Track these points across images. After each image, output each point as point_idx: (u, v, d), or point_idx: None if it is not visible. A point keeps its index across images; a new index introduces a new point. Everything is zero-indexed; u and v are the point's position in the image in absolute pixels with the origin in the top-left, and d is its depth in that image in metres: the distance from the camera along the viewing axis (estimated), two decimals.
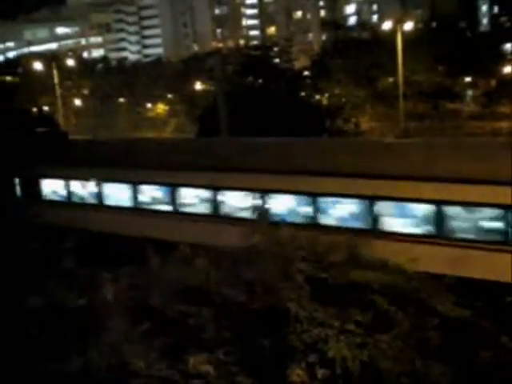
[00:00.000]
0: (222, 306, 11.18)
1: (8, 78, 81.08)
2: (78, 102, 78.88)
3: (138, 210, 25.12)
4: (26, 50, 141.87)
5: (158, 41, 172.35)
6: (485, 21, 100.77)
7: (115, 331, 10.81)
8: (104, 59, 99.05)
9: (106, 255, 17.86)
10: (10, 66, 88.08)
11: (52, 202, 29.01)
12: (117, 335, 10.73)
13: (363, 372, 10.05)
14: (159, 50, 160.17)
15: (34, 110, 70.50)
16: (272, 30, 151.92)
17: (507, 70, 60.21)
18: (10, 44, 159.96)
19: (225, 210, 22.42)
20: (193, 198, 23.54)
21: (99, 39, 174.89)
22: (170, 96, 76.94)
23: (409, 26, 52.80)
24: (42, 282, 13.76)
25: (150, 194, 25.12)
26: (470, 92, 61.78)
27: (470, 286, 13.52)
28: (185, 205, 23.71)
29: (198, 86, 73.26)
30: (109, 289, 12.00)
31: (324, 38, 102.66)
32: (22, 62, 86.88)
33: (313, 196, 19.95)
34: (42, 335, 11.34)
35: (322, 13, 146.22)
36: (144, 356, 10.32)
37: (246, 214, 21.19)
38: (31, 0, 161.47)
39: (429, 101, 53.38)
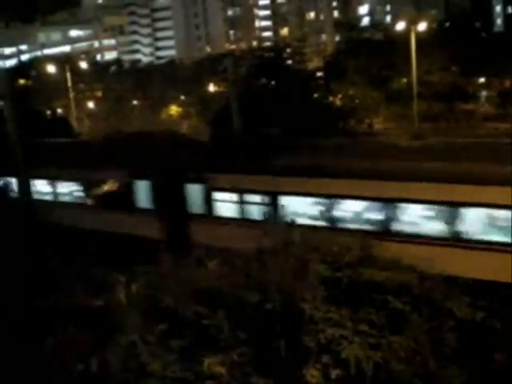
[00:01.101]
0: (236, 307, 11.22)
1: (22, 81, 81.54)
2: (91, 104, 79.21)
3: None
4: (39, 52, 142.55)
5: (170, 43, 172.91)
6: (499, 21, 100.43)
7: (131, 332, 10.89)
8: (117, 61, 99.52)
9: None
10: (24, 68, 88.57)
11: None
12: (132, 336, 10.81)
13: (376, 373, 10.06)
14: (172, 52, 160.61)
15: (48, 112, 71.12)
16: (285, 31, 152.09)
17: None
18: (24, 47, 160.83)
19: None
20: None
21: (112, 41, 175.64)
22: (182, 98, 77.13)
23: (422, 26, 52.74)
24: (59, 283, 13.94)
25: None
26: (484, 93, 61.56)
27: (485, 288, 13.52)
28: None
29: (211, 87, 73.43)
30: (124, 289, 12.08)
31: (337, 38, 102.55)
32: (36, 64, 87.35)
33: None
34: (59, 336, 11.44)
35: (336, 13, 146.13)
36: (159, 357, 10.38)
37: None
38: (46, 3, 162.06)
39: (443, 101, 53.26)
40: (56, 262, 18.33)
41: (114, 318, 11.57)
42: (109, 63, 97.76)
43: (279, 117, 38.20)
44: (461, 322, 11.09)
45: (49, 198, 33.28)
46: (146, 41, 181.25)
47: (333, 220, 22.26)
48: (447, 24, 69.55)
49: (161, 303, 11.60)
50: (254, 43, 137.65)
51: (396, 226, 20.90)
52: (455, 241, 19.54)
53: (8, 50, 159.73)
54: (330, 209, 22.35)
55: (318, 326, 10.58)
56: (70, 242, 22.81)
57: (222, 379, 10.00)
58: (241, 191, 24.46)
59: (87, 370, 10.61)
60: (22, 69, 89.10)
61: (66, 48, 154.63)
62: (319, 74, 69.05)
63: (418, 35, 49.14)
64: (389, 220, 21.03)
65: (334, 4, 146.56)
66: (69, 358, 10.93)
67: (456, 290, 11.76)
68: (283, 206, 23.00)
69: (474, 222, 19.40)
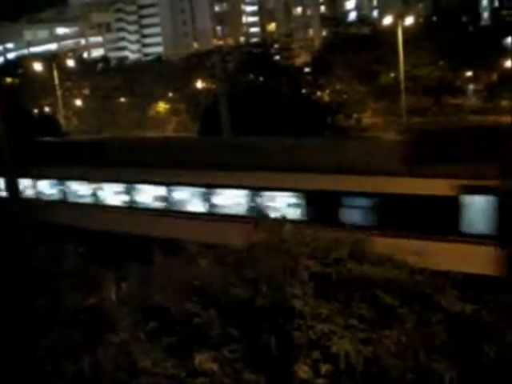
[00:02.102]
0: (226, 304, 11.24)
1: (8, 80, 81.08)
2: (78, 102, 78.89)
3: None
4: (25, 51, 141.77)
5: (158, 39, 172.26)
6: (485, 15, 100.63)
7: (122, 330, 10.89)
8: (104, 59, 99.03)
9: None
10: (10, 67, 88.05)
11: None
12: (124, 334, 10.82)
13: (367, 368, 10.10)
14: (159, 49, 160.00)
15: (35, 111, 70.80)
16: (272, 26, 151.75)
17: (508, 63, 60.21)
18: (10, 45, 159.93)
19: None
20: None
21: (99, 39, 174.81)
22: (170, 95, 76.93)
23: (409, 20, 52.82)
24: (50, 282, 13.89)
25: None
26: (471, 86, 61.78)
27: (475, 281, 13.59)
28: None
29: (199, 84, 73.25)
30: (116, 288, 12.07)
31: (324, 33, 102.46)
32: (22, 63, 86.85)
33: None
34: (52, 334, 11.43)
35: (322, 9, 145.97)
36: (151, 355, 10.39)
37: None
38: (33, 1, 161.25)
39: (431, 95, 53.39)
40: None
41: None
42: (96, 61, 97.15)
43: (267, 113, 38.13)
44: (450, 315, 11.16)
45: None
46: (133, 38, 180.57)
47: None
48: (434, 18, 69.67)
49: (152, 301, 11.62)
50: (242, 39, 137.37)
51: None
52: None
53: None
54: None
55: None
56: None
57: (213, 376, 10.02)
58: None
59: (80, 370, 10.61)
60: (8, 67, 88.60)
61: (53, 46, 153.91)
62: (307, 69, 68.97)
63: (405, 30, 49.20)
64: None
65: None
66: (61, 357, 10.92)
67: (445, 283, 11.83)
68: None
69: None
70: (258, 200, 26.31)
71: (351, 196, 23.86)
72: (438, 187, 21.84)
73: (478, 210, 21.04)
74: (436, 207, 21.61)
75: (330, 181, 24.69)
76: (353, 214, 23.20)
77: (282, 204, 25.70)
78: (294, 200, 25.64)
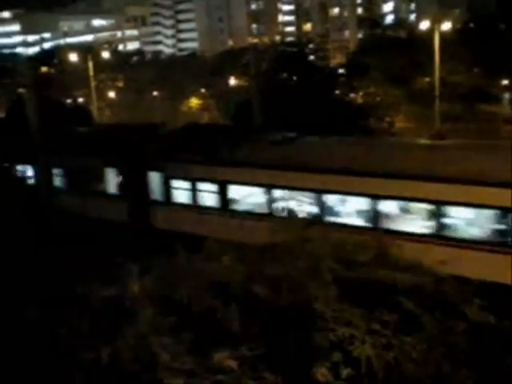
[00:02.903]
0: (248, 302, 11.21)
1: (44, 69, 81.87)
2: (112, 94, 79.40)
3: None
4: (62, 41, 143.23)
5: (193, 35, 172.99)
6: None
7: (143, 323, 10.91)
8: (139, 52, 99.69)
9: None
10: (46, 57, 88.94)
11: None
12: (144, 327, 10.83)
13: (387, 373, 10.01)
14: (194, 45, 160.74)
15: (69, 101, 71.44)
16: (308, 26, 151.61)
17: None
18: (47, 35, 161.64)
19: None
20: None
21: (135, 32, 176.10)
22: (203, 90, 77.13)
23: (447, 26, 52.34)
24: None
25: None
26: (506, 95, 61.04)
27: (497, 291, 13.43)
28: None
29: (232, 81, 73.35)
30: (137, 280, 12.10)
31: (360, 35, 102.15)
32: (58, 53, 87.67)
33: None
34: (73, 324, 11.50)
35: (359, 10, 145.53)
36: (170, 349, 10.39)
37: None
38: None
39: (465, 102, 52.84)
40: None
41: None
42: (131, 54, 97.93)
43: (299, 112, 38.07)
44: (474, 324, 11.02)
45: None
46: (169, 32, 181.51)
47: None
48: (471, 24, 69.00)
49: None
50: (277, 38, 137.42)
51: None
52: None
53: (31, 38, 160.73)
54: None
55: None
56: None
57: (231, 373, 9.99)
58: None
59: (98, 359, 10.65)
60: (44, 57, 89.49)
61: (89, 37, 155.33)
62: (341, 70, 68.75)
63: (442, 35, 48.76)
64: None
65: (359, 1, 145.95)
66: (81, 346, 10.98)
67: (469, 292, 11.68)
68: None
69: None
70: None
71: None
72: None
73: None
74: None
75: None
76: None
77: None
78: None
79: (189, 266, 12.58)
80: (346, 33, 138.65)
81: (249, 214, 24.56)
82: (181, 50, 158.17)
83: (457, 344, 10.59)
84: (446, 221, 19.95)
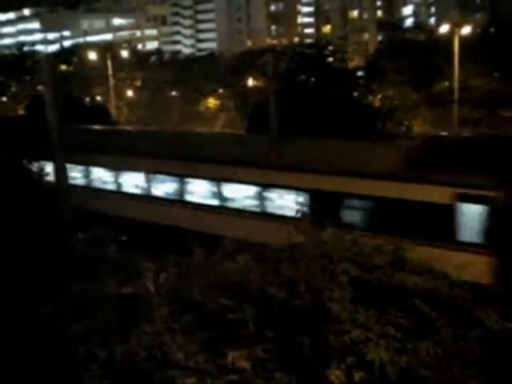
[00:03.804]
0: (263, 302, 11.21)
1: (63, 67, 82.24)
2: (130, 93, 79.64)
3: None
4: (81, 39, 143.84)
5: (212, 35, 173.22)
6: None
7: (157, 321, 10.93)
8: (158, 52, 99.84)
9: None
10: (66, 54, 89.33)
11: None
12: (158, 325, 10.86)
13: (401, 377, 9.98)
14: (213, 45, 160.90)
15: (87, 99, 71.78)
16: (327, 28, 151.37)
17: None
18: (67, 33, 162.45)
19: None
20: None
21: (154, 32, 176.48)
22: (221, 91, 77.14)
23: (466, 30, 52.08)
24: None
25: None
26: None
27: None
28: None
29: (250, 82, 73.29)
30: (152, 278, 12.12)
31: (380, 38, 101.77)
32: (78, 51, 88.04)
33: None
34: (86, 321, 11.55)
35: (379, 13, 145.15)
36: (184, 348, 10.41)
37: None
38: None
39: (484, 107, 52.53)
40: None
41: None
42: (150, 53, 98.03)
43: (316, 115, 37.96)
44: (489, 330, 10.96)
45: None
46: (188, 32, 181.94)
47: None
48: (492, 29, 68.58)
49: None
50: (296, 39, 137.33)
51: None
52: None
53: (51, 36, 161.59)
54: None
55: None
56: None
57: (245, 374, 10.00)
58: None
59: (112, 357, 10.69)
60: (63, 55, 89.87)
61: (108, 36, 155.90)
62: (360, 73, 68.49)
63: (462, 39, 48.54)
64: None
65: (378, 3, 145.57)
66: (95, 343, 11.01)
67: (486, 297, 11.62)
68: None
69: None
70: None
71: None
72: None
73: None
74: None
75: None
76: None
77: None
78: None
79: (205, 265, 12.62)
80: (366, 35, 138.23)
81: None
82: (199, 50, 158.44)
83: (471, 350, 10.54)
84: None
